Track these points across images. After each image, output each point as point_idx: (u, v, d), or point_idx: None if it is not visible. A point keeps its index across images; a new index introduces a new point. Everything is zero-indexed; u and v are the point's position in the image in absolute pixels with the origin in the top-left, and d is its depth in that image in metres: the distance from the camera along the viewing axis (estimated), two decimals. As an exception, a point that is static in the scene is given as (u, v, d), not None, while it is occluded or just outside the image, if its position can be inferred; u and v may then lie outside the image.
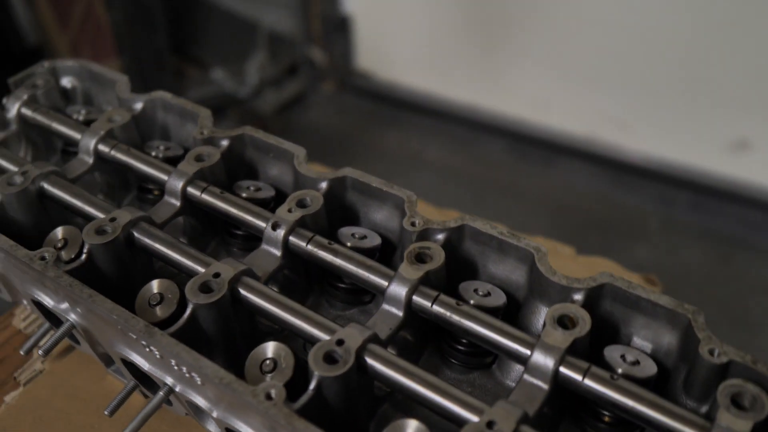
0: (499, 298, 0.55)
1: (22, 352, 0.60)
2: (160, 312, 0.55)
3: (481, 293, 0.55)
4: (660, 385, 0.51)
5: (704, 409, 0.49)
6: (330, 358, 0.48)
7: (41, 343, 0.60)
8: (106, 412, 0.57)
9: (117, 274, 0.59)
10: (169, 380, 0.54)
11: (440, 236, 0.57)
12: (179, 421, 0.64)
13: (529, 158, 2.47)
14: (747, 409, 0.43)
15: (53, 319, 0.62)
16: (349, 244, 0.59)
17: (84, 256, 0.57)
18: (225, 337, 0.55)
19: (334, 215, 0.62)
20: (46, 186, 0.63)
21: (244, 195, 0.64)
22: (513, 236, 0.56)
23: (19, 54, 2.67)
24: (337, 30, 2.55)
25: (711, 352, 0.47)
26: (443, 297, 0.53)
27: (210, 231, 0.68)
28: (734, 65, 1.93)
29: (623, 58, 2.11)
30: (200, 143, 0.67)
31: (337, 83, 2.70)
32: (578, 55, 2.21)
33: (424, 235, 0.57)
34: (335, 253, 0.57)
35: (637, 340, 0.53)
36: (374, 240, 0.60)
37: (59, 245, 0.59)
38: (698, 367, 0.48)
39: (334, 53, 2.61)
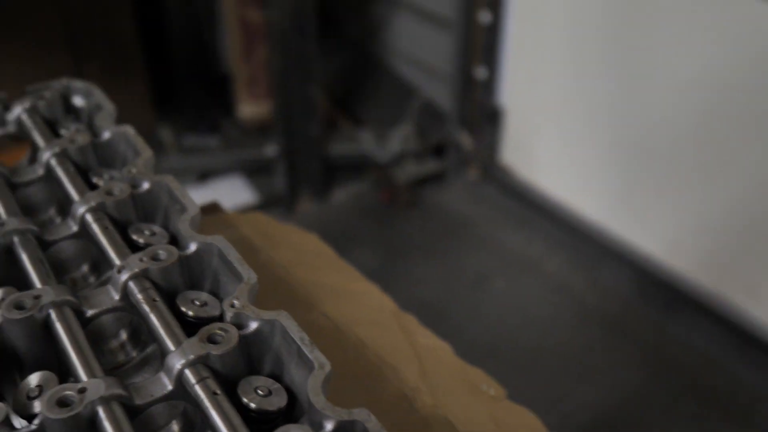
0: (273, 403, 0.54)
1: None
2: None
3: (260, 393, 0.55)
4: None
5: None
6: (62, 402, 0.50)
7: None
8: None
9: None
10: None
11: (254, 324, 0.57)
12: None
13: (647, 297, 2.33)
14: None
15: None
16: (191, 312, 0.61)
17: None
18: (37, 362, 0.59)
19: (194, 277, 0.64)
20: None
21: (134, 236, 0.68)
22: (310, 345, 0.55)
23: (212, 78, 2.94)
24: (489, 120, 2.57)
25: None
26: (210, 382, 0.53)
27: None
28: None
29: None
30: (127, 179, 0.72)
31: (479, 172, 2.71)
32: (722, 204, 2.07)
33: (238, 319, 0.58)
34: (152, 304, 0.58)
35: (376, 489, 0.50)
36: (214, 310, 0.61)
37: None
38: None
39: (481, 141, 2.63)
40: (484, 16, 2.36)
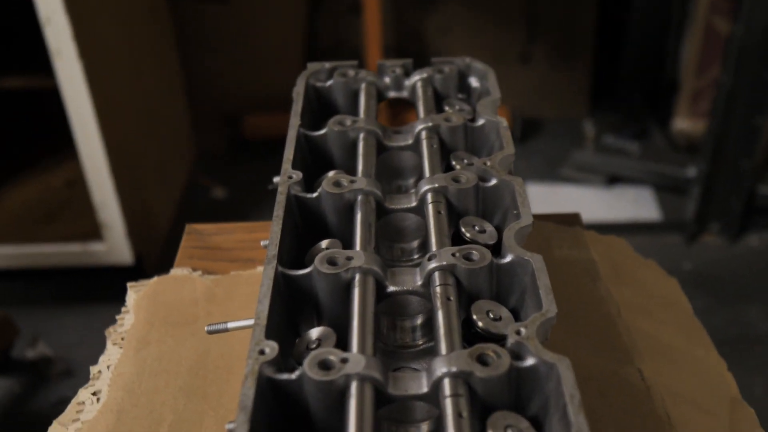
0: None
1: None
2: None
3: (510, 432, 0.50)
4: None
5: None
6: (323, 365, 0.52)
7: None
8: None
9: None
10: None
11: (532, 360, 0.53)
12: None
13: None
14: None
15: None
16: (480, 323, 0.58)
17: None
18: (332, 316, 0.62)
19: (502, 289, 0.62)
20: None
21: (463, 229, 0.67)
22: (578, 407, 0.49)
23: (656, 84, 2.81)
24: None
25: None
26: (462, 401, 0.50)
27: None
28: None
29: None
30: (478, 170, 0.71)
31: None
32: None
33: (518, 348, 0.53)
34: (444, 301, 0.57)
35: None
36: (506, 328, 0.58)
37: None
38: None
39: None
40: None
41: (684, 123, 2.60)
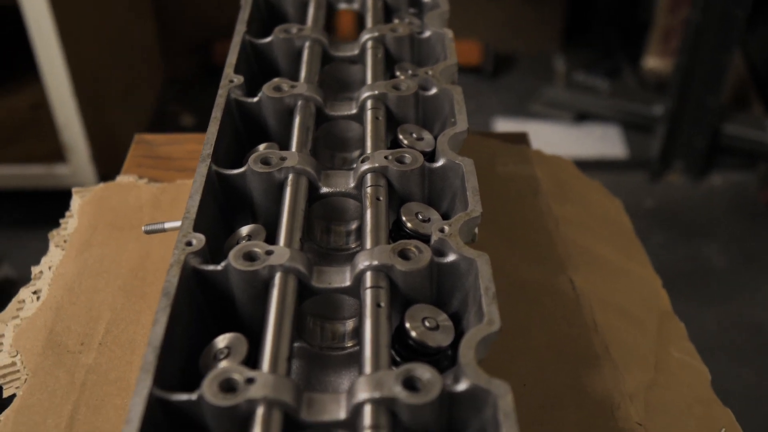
0: (435, 339, 0.51)
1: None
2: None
3: (427, 324, 0.52)
4: None
5: None
6: (248, 256, 0.53)
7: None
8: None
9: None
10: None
11: (453, 256, 0.54)
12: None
13: None
14: None
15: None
16: (409, 224, 0.59)
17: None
18: (266, 215, 0.63)
19: (434, 193, 0.63)
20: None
21: (401, 136, 0.67)
22: (491, 298, 0.50)
23: (630, 23, 2.80)
24: None
25: None
26: (382, 293, 0.52)
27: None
28: None
29: None
30: (420, 80, 0.72)
31: None
32: None
33: (440, 245, 0.55)
34: (373, 201, 0.58)
35: None
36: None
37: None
38: None
39: None
40: None
41: (655, 61, 2.60)
